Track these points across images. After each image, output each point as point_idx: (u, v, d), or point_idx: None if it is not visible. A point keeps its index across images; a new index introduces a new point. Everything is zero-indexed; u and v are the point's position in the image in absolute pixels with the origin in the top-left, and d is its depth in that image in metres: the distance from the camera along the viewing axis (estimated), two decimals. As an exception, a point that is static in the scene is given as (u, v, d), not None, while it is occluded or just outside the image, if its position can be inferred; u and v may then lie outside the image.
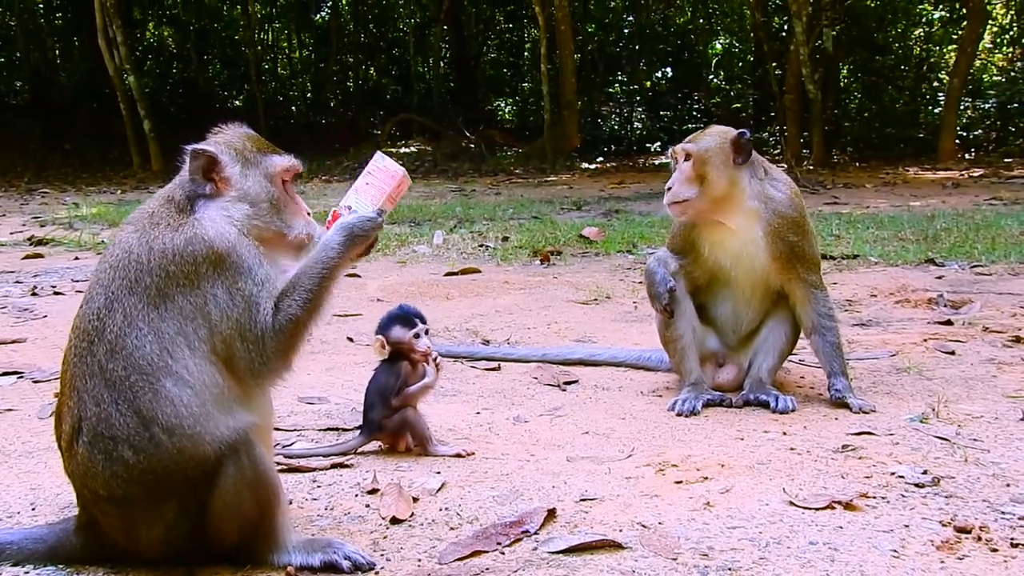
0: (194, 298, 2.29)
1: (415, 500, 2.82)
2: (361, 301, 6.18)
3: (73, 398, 2.27)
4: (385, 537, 2.57)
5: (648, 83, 27.58)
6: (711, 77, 27.64)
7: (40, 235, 10.54)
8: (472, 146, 24.44)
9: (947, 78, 21.78)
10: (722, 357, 4.11)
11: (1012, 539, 2.44)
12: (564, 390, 4.20)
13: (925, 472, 2.92)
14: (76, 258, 8.91)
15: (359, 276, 7.12)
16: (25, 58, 28.21)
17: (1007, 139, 23.12)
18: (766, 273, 3.92)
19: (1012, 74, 24.29)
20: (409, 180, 2.66)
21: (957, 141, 21.37)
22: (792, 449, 3.24)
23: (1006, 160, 20.18)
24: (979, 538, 2.44)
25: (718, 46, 28.35)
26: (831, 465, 3.06)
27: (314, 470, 3.13)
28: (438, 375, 3.39)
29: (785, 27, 23.33)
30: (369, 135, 27.02)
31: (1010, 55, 25.43)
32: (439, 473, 3.07)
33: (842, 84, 25.23)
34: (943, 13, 24.81)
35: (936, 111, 23.17)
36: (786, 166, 15.97)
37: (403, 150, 25.33)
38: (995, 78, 24.80)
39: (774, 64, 22.18)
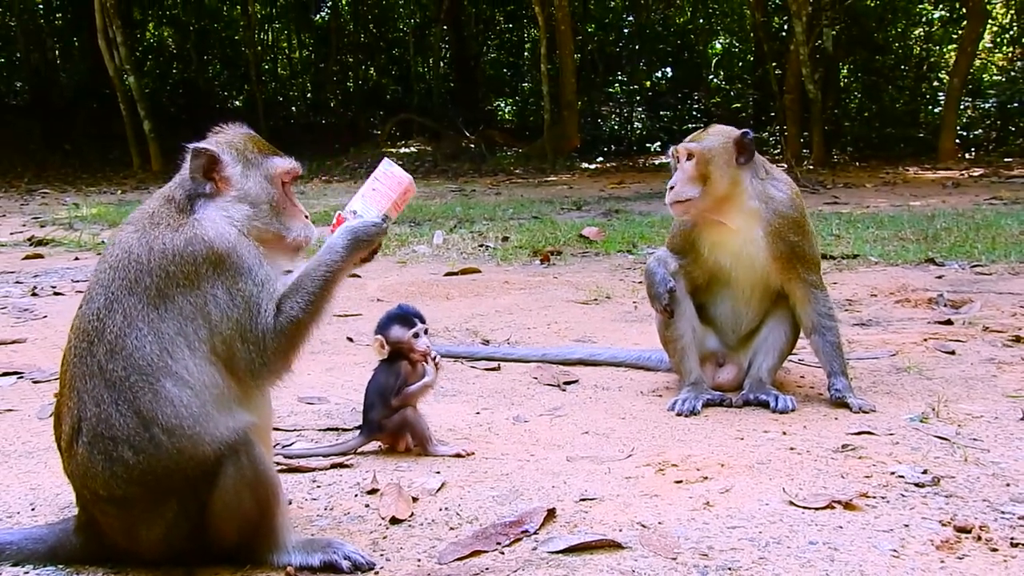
0: (194, 298, 2.29)
1: (415, 500, 2.82)
2: (361, 301, 6.18)
3: (73, 398, 2.27)
4: (385, 537, 2.57)
5: (648, 83, 27.57)
6: (711, 77, 27.62)
7: (40, 235, 10.55)
8: (472, 146, 24.43)
9: (947, 78, 21.78)
10: (722, 357, 4.11)
11: (1012, 539, 2.44)
12: (564, 390, 4.20)
13: (925, 472, 2.92)
14: (76, 258, 8.91)
15: (359, 276, 7.11)
16: (25, 58, 28.21)
17: (1007, 139, 23.11)
18: (766, 273, 3.92)
19: (1012, 74, 24.28)
20: (415, 188, 2.68)
21: (957, 141, 21.36)
22: (792, 449, 3.24)
23: (1006, 160, 20.18)
24: (979, 538, 2.44)
25: (718, 46, 28.34)
26: (831, 465, 3.06)
27: (314, 470, 3.13)
28: (437, 375, 3.39)
29: (785, 27, 23.33)
30: (369, 135, 27.02)
31: (1010, 55, 25.42)
32: (439, 473, 3.07)
33: (842, 84, 25.23)
34: (943, 13, 24.81)
35: (936, 111, 23.17)
36: (786, 166, 15.97)
37: (403, 150, 25.33)
38: (995, 78, 24.79)
39: (774, 64, 22.17)
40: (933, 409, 3.61)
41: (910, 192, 14.33)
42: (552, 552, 2.42)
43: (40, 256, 9.14)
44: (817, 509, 2.66)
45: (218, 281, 2.32)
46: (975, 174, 17.15)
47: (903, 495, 2.77)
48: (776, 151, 21.10)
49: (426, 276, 7.45)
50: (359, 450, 3.33)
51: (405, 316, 3.35)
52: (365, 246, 2.50)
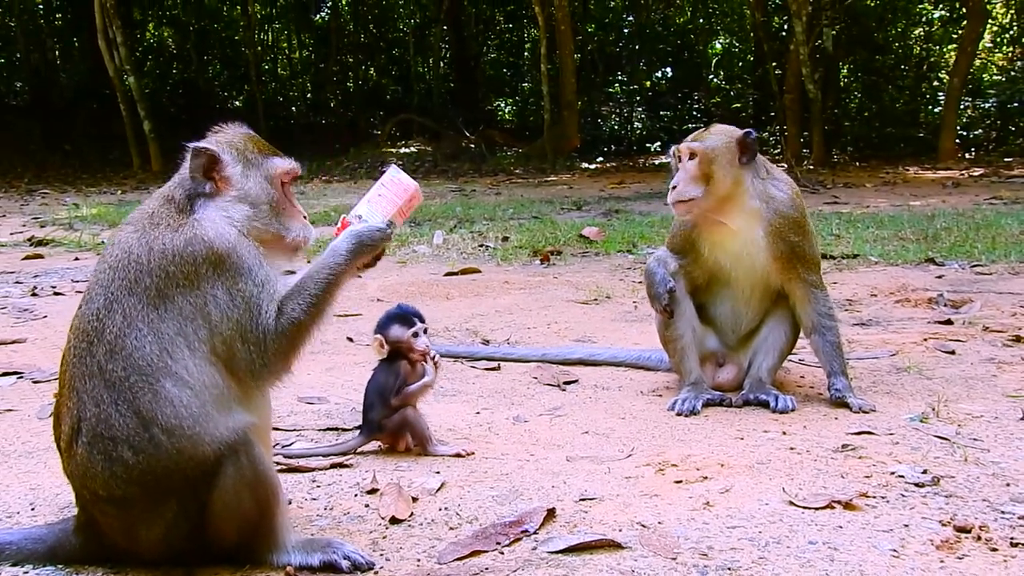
0: (194, 299, 2.29)
1: (414, 500, 2.82)
2: (361, 301, 6.18)
3: (72, 399, 2.27)
4: (384, 537, 2.57)
5: (648, 83, 27.57)
6: (711, 77, 27.62)
7: (40, 236, 10.55)
8: (472, 146, 24.43)
9: (947, 77, 21.78)
10: (722, 357, 4.11)
11: (1012, 538, 2.44)
12: (564, 390, 4.20)
13: (925, 472, 2.92)
14: (76, 259, 8.91)
15: (359, 276, 7.11)
16: (25, 59, 28.21)
17: (1007, 138, 23.11)
18: (766, 273, 3.92)
19: (1012, 73, 24.28)
20: (421, 196, 2.69)
21: (957, 140, 21.36)
22: (792, 449, 3.24)
23: (1006, 159, 20.18)
24: (979, 537, 2.44)
25: (718, 46, 28.34)
26: (831, 465, 3.06)
27: (313, 470, 3.13)
28: (436, 374, 3.39)
29: (785, 27, 23.33)
30: (369, 135, 27.02)
31: (1010, 54, 25.42)
32: (439, 473, 3.07)
33: (842, 84, 25.22)
34: (943, 12, 24.81)
35: (936, 111, 23.17)
36: (786, 166, 15.98)
37: (403, 150, 25.33)
38: (995, 77, 24.79)
39: (774, 64, 22.17)
40: (933, 409, 3.61)
41: (910, 192, 14.33)
42: (552, 552, 2.42)
43: (40, 256, 9.15)
44: (817, 509, 2.66)
45: (218, 281, 2.32)
46: (975, 174, 17.15)
47: (903, 495, 2.77)
48: (776, 151, 21.10)
49: (426, 276, 7.45)
50: (359, 450, 3.33)
51: (404, 316, 3.35)
52: (369, 251, 2.50)
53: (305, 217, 2.60)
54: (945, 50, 24.59)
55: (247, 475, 2.26)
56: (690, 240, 3.98)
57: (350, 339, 5.21)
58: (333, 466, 3.17)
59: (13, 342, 5.18)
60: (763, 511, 2.67)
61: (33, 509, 2.80)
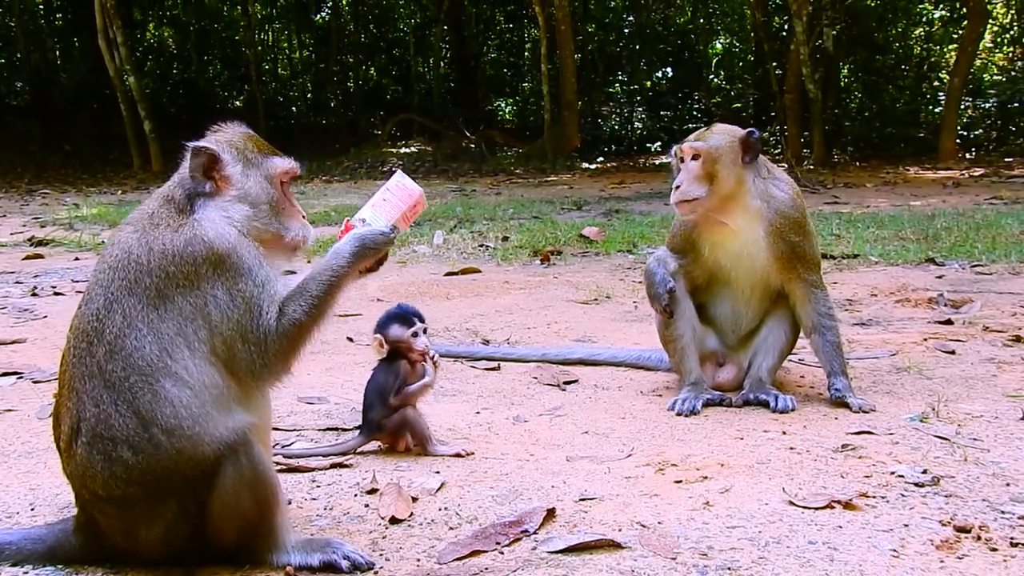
0: (194, 299, 2.29)
1: (414, 500, 2.82)
2: (361, 301, 6.17)
3: (72, 399, 2.27)
4: (384, 537, 2.57)
5: (648, 83, 27.57)
6: (711, 77, 27.63)
7: (40, 236, 10.55)
8: (472, 146, 24.44)
9: (947, 77, 21.78)
10: (722, 357, 4.10)
11: (1012, 538, 2.44)
12: (564, 390, 4.20)
13: (925, 471, 2.92)
14: (76, 259, 8.91)
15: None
16: (25, 59, 28.22)
17: (1007, 138, 23.11)
18: (766, 273, 3.92)
19: (1012, 73, 24.28)
20: (426, 202, 2.69)
21: (957, 140, 21.37)
22: (792, 449, 3.24)
23: (1007, 159, 20.18)
24: (979, 537, 2.44)
25: (718, 46, 28.35)
26: (831, 464, 3.06)
27: (313, 470, 3.13)
28: (436, 374, 3.39)
29: (785, 27, 23.33)
30: (369, 135, 27.02)
31: (1010, 54, 25.43)
32: (438, 473, 3.07)
33: (842, 84, 25.23)
34: (943, 12, 24.81)
35: (936, 111, 23.17)
36: (786, 166, 15.97)
37: (403, 150, 25.33)
38: (995, 77, 24.79)
39: (774, 64, 22.17)
40: (933, 409, 3.61)
41: (910, 192, 14.33)
42: (552, 552, 2.42)
43: (40, 256, 9.15)
44: (817, 509, 2.66)
45: (218, 282, 2.32)
46: (975, 174, 17.15)
47: (903, 495, 2.77)
48: (776, 151, 21.10)
49: (426, 276, 7.45)
50: (359, 450, 3.33)
51: (404, 315, 3.35)
52: (372, 254, 2.50)
53: (304, 217, 2.60)
54: (945, 50, 24.60)
55: (247, 475, 2.26)
56: (690, 240, 3.98)
57: (350, 339, 5.20)
58: (333, 466, 3.17)
59: (13, 342, 5.18)
60: (763, 511, 2.67)
61: (33, 509, 2.80)
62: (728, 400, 3.90)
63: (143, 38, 30.08)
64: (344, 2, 30.31)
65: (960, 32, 22.01)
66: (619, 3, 28.05)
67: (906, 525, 2.54)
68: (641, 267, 6.43)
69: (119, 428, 2.20)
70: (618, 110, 28.31)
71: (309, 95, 31.63)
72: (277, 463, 2.97)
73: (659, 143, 24.95)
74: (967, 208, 11.31)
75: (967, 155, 21.42)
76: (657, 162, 22.41)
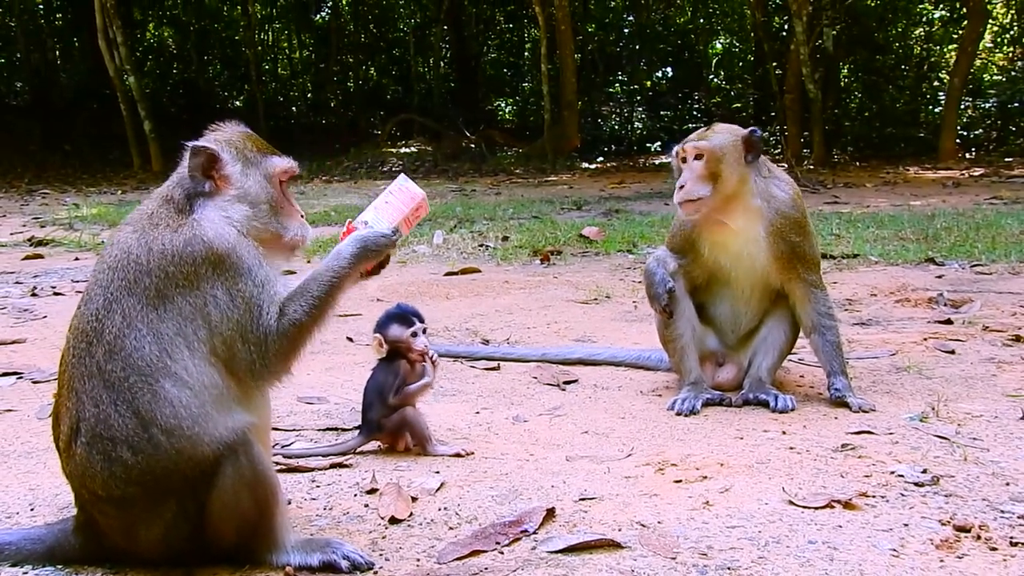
0: (193, 299, 2.29)
1: (414, 500, 2.82)
2: (361, 301, 6.17)
3: (71, 399, 2.27)
4: (384, 537, 2.57)
5: (648, 83, 27.57)
6: (711, 77, 27.63)
7: (40, 236, 10.55)
8: (472, 146, 24.44)
9: (947, 77, 21.79)
10: (721, 356, 4.10)
11: (1011, 538, 2.43)
12: (563, 390, 4.20)
13: (925, 471, 2.92)
14: (76, 259, 8.91)
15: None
16: (25, 59, 28.22)
17: (1007, 138, 23.11)
18: (766, 272, 3.92)
19: (1012, 73, 24.28)
20: (428, 206, 2.69)
21: (957, 140, 21.37)
22: (791, 448, 3.24)
23: (1006, 159, 20.18)
24: (978, 537, 2.44)
25: (718, 46, 28.35)
26: (830, 464, 3.06)
27: (313, 470, 3.13)
28: (435, 374, 3.39)
29: (785, 27, 23.33)
30: (369, 135, 27.03)
31: (1010, 54, 25.43)
32: (438, 473, 3.07)
33: (842, 84, 25.23)
34: (943, 12, 24.81)
35: (936, 110, 23.17)
36: (787, 165, 15.97)
37: (403, 150, 25.34)
38: (995, 77, 24.79)
39: (774, 64, 22.17)
40: (933, 408, 3.61)
41: (910, 192, 14.33)
42: (551, 552, 2.42)
43: (40, 256, 9.15)
44: (816, 508, 2.66)
45: (218, 282, 2.31)
46: (975, 174, 17.15)
47: (903, 494, 2.76)
48: (776, 151, 21.10)
49: (426, 276, 7.45)
50: (358, 450, 3.33)
51: (403, 315, 3.35)
52: (373, 255, 2.50)
53: (302, 216, 2.60)
54: (945, 50, 24.60)
55: (246, 475, 2.26)
56: (690, 240, 3.98)
57: (350, 339, 5.20)
58: (332, 466, 3.17)
59: (13, 342, 5.18)
60: (763, 511, 2.67)
61: (32, 509, 2.80)
62: (728, 400, 3.90)
63: (143, 38, 30.08)
64: (344, 2, 30.31)
65: (960, 32, 22.01)
66: (619, 3, 28.05)
67: (906, 525, 2.54)
68: (641, 267, 6.43)
69: (118, 428, 2.20)
70: (618, 110, 28.31)
71: (309, 95, 31.64)
72: (277, 463, 2.97)
73: (659, 143, 24.94)
74: (967, 208, 11.31)
75: (967, 155, 21.42)
76: (657, 162, 22.41)
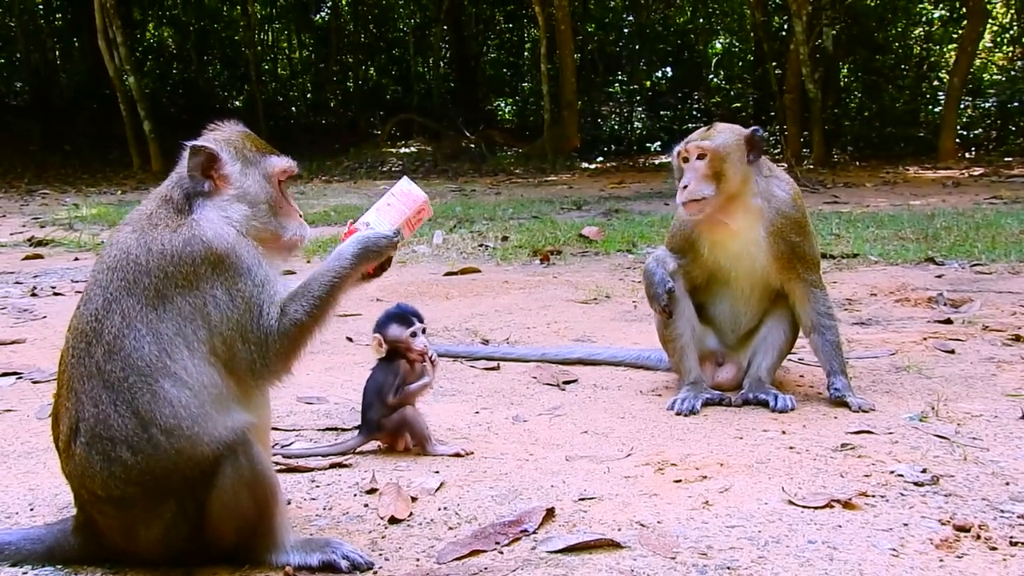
0: (193, 299, 2.29)
1: (414, 500, 2.82)
2: (361, 301, 6.15)
3: (71, 399, 2.27)
4: (383, 537, 2.57)
5: (648, 83, 27.57)
6: (711, 77, 27.63)
7: (40, 236, 10.56)
8: (472, 146, 24.45)
9: (947, 77, 21.78)
10: (721, 356, 4.10)
11: (1011, 537, 2.43)
12: (563, 389, 4.19)
13: (924, 471, 2.92)
14: (76, 259, 8.91)
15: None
16: (25, 59, 28.22)
17: (1007, 138, 23.12)
18: (766, 272, 3.92)
19: (1012, 73, 24.28)
20: (431, 209, 2.69)
21: (957, 140, 21.37)
22: (791, 448, 3.24)
23: (1006, 159, 20.19)
24: (978, 536, 2.44)
25: (718, 46, 28.35)
26: (830, 464, 3.06)
27: (313, 470, 3.13)
28: (435, 374, 3.39)
29: (785, 26, 23.33)
30: (369, 135, 27.03)
31: (1010, 54, 25.43)
32: (438, 472, 3.07)
33: (842, 83, 25.23)
34: (943, 12, 24.81)
35: (936, 110, 23.18)
36: (786, 165, 15.97)
37: (403, 150, 25.34)
38: (995, 77, 24.79)
39: (774, 64, 22.18)
40: (932, 408, 3.60)
41: (910, 191, 14.33)
42: (551, 552, 2.42)
43: (40, 256, 9.15)
44: (816, 508, 2.66)
45: (217, 282, 2.31)
46: (975, 173, 17.16)
47: (902, 494, 2.76)
48: (776, 151, 21.10)
49: (426, 276, 7.45)
50: (358, 450, 3.33)
51: (403, 315, 3.35)
52: (374, 256, 2.49)
53: (301, 216, 2.60)
54: (945, 50, 24.60)
55: (246, 475, 2.26)
56: (689, 240, 3.98)
57: (349, 339, 5.20)
58: (332, 466, 3.17)
59: (13, 342, 5.18)
60: (762, 510, 2.66)
61: (32, 509, 2.80)
62: (727, 399, 3.90)
63: (143, 38, 30.08)
64: (344, 2, 30.32)
65: (960, 32, 22.01)
66: (619, 3, 28.05)
67: (905, 524, 2.54)
68: (640, 267, 6.43)
69: (118, 428, 2.20)
70: (618, 110, 28.31)
71: (309, 95, 31.64)
72: (276, 463, 2.96)
73: (659, 143, 24.97)
74: (967, 208, 11.32)
75: (967, 155, 21.42)
76: (657, 162, 22.42)
